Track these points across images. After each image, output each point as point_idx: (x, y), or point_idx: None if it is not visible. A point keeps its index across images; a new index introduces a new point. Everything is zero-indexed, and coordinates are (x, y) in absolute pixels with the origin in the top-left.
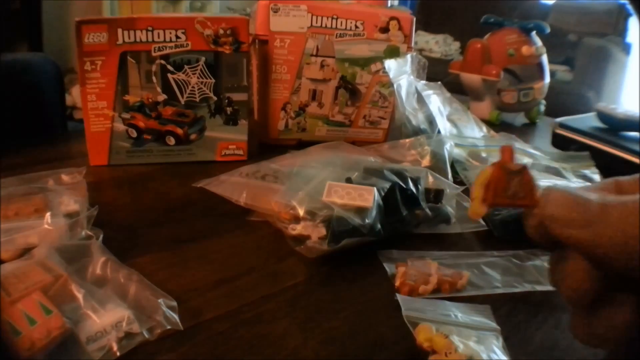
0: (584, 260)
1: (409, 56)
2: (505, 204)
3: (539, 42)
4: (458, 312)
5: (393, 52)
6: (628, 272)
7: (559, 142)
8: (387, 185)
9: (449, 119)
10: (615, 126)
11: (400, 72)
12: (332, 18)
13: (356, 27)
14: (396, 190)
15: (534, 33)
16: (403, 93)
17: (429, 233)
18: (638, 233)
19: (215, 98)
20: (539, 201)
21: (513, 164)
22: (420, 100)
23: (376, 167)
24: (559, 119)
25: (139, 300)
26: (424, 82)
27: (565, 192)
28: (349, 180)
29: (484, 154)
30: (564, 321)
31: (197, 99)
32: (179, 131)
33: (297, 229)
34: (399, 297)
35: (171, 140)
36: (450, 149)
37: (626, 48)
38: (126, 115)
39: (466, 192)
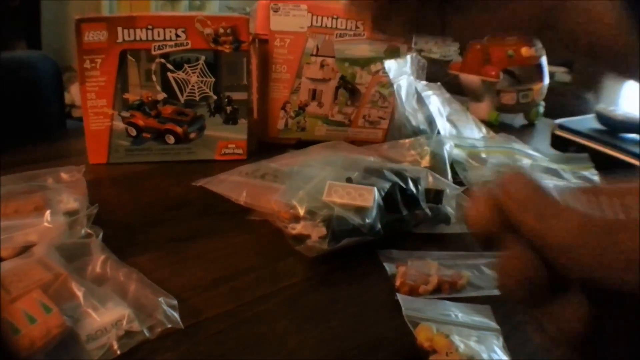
0: (526, 248)
1: (408, 57)
2: None
3: (538, 43)
4: (458, 312)
5: (393, 53)
6: (572, 276)
7: (558, 143)
8: (387, 185)
9: (449, 120)
10: (614, 128)
11: (400, 72)
12: (332, 18)
13: (356, 27)
14: (396, 190)
15: None
16: (403, 93)
17: (429, 233)
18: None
19: (215, 97)
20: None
21: None
22: (420, 100)
23: (376, 167)
24: (558, 121)
25: (139, 298)
26: (423, 82)
27: (525, 177)
28: (349, 180)
29: (483, 155)
30: None
31: (197, 98)
32: (179, 130)
33: (297, 228)
34: (399, 296)
35: (170, 139)
36: (449, 149)
37: None
38: (126, 114)
39: (466, 192)
